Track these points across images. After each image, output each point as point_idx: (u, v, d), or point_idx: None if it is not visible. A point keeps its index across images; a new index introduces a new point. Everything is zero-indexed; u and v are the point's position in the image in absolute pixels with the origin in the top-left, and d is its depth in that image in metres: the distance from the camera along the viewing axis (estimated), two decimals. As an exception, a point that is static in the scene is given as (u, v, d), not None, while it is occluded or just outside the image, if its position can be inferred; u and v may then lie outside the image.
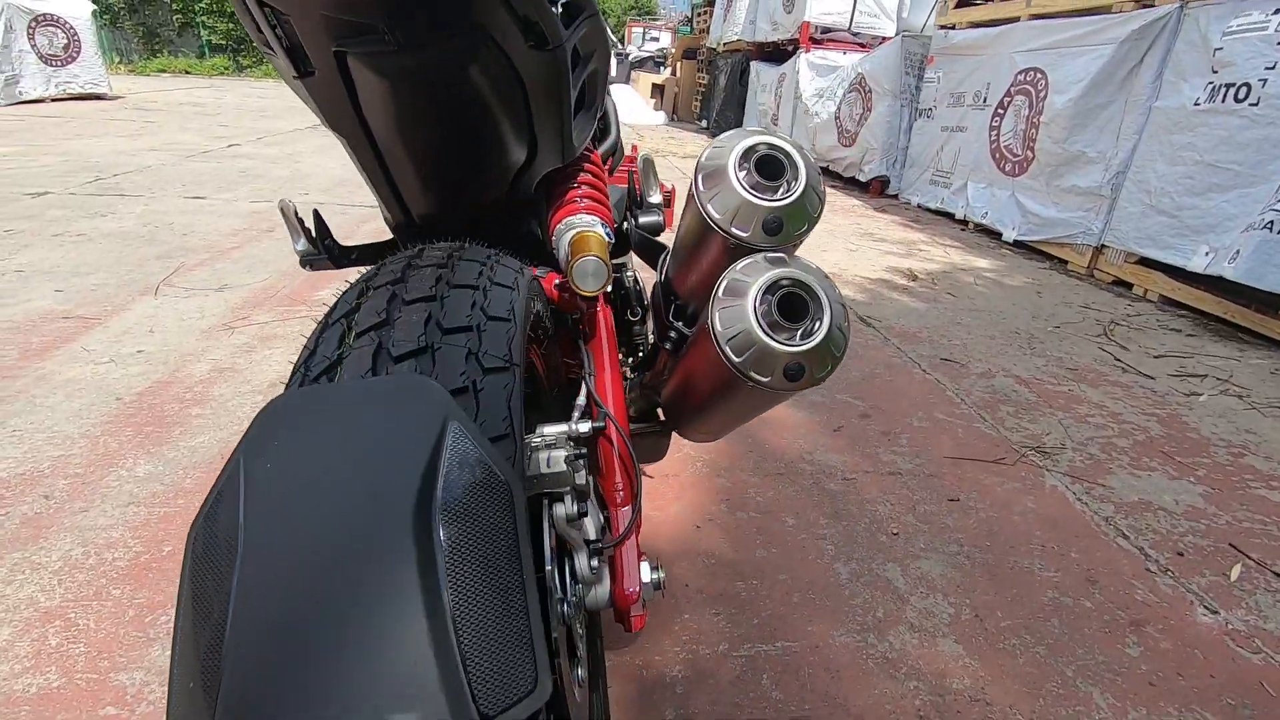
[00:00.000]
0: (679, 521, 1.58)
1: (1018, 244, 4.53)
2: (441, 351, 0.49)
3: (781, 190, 0.66)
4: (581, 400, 0.83)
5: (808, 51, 7.80)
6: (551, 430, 0.77)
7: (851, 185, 6.69)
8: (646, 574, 0.77)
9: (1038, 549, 1.57)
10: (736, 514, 1.62)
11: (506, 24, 0.72)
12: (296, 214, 0.95)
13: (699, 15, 14.24)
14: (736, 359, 0.64)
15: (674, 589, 1.37)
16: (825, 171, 7.33)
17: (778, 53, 8.97)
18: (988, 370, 2.55)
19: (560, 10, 0.77)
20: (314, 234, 0.99)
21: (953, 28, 5.49)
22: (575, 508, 0.70)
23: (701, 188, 0.70)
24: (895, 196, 6.19)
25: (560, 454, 0.69)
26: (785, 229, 0.67)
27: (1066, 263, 4.16)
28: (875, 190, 6.32)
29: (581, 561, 0.72)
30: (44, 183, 4.52)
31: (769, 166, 0.67)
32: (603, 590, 0.75)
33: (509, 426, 0.48)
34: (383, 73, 0.73)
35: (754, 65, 9.58)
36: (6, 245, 3.22)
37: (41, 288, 2.74)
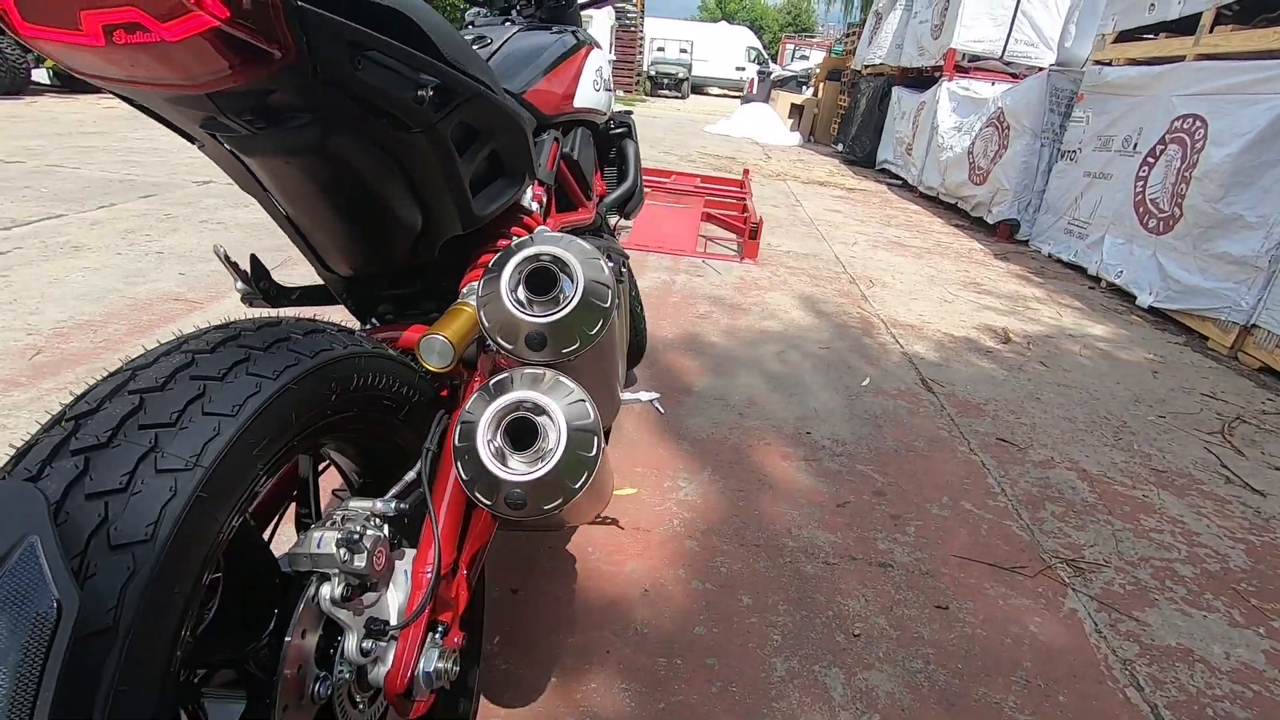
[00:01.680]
0: (629, 582, 1.54)
1: (1153, 311, 4.01)
2: (106, 452, 0.52)
3: (549, 306, 0.63)
4: (410, 475, 0.84)
5: (951, 80, 7.34)
6: (358, 505, 0.78)
7: (977, 226, 6.21)
8: (431, 663, 0.77)
9: (1019, 684, 1.38)
10: (692, 583, 1.56)
11: (353, 111, 0.74)
12: (227, 257, 1.03)
13: (850, 35, 13.80)
14: (470, 489, 0.63)
15: (595, 652, 1.35)
16: (951, 209, 6.86)
17: (921, 79, 8.51)
18: (1048, 459, 2.28)
19: (430, 94, 0.78)
20: (250, 276, 1.07)
21: (1108, 64, 4.95)
22: (340, 590, 0.71)
23: (480, 291, 0.69)
24: (1024, 243, 5.67)
25: (332, 535, 0.71)
26: (550, 345, 0.64)
27: (1206, 339, 3.63)
28: (1002, 234, 5.83)
29: (350, 642, 0.73)
30: (211, 173, 5.19)
31: (542, 279, 0.64)
32: (381, 672, 0.76)
33: (153, 530, 0.50)
34: (248, 151, 0.78)
35: (895, 91, 9.15)
36: (160, 229, 3.73)
37: (170, 270, 3.15)
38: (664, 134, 11.26)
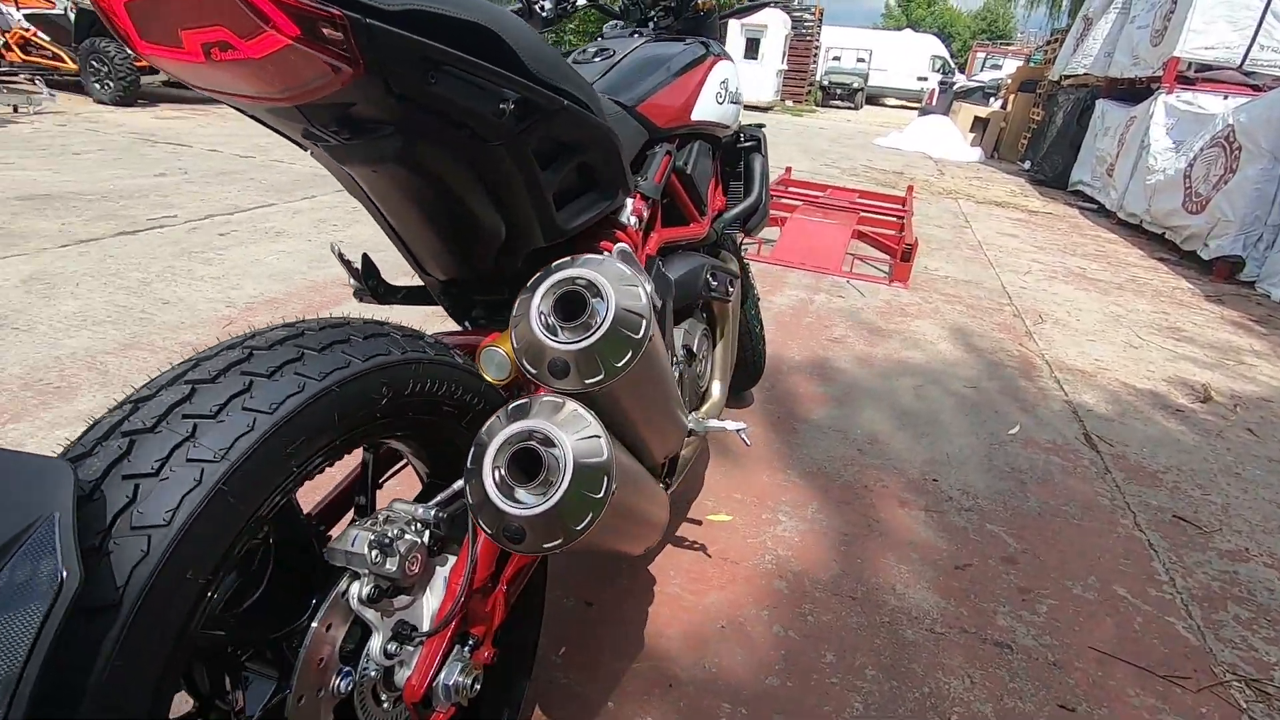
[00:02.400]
0: (706, 614, 1.48)
1: None
2: (149, 437, 0.56)
3: (577, 333, 0.60)
4: (458, 484, 0.84)
5: (1170, 92, 6.41)
6: (402, 508, 0.80)
7: (1188, 262, 5.36)
8: (452, 675, 0.76)
9: (1155, 821, 1.14)
10: (774, 627, 1.46)
11: (433, 124, 0.76)
12: (341, 255, 1.11)
13: (1053, 41, 12.53)
14: (475, 514, 0.61)
15: (658, 683, 1.30)
16: (1156, 240, 5.98)
17: (1132, 91, 7.52)
18: (1240, 549, 1.89)
19: (511, 109, 0.79)
20: (361, 273, 1.14)
21: (1386, 74, 4.06)
22: (369, 590, 0.72)
23: (515, 309, 0.67)
24: (1248, 285, 4.81)
25: (366, 536, 0.73)
26: (573, 374, 0.61)
27: None
28: (1220, 273, 4.99)
29: (375, 643, 0.74)
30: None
31: (572, 303, 0.61)
32: (403, 676, 0.77)
33: (171, 516, 0.53)
34: (341, 160, 0.82)
35: (1100, 104, 8.16)
36: (344, 220, 4.18)
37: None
38: (829, 145, 10.89)
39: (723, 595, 1.54)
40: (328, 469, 0.78)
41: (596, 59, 1.36)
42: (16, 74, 7.72)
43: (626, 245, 0.98)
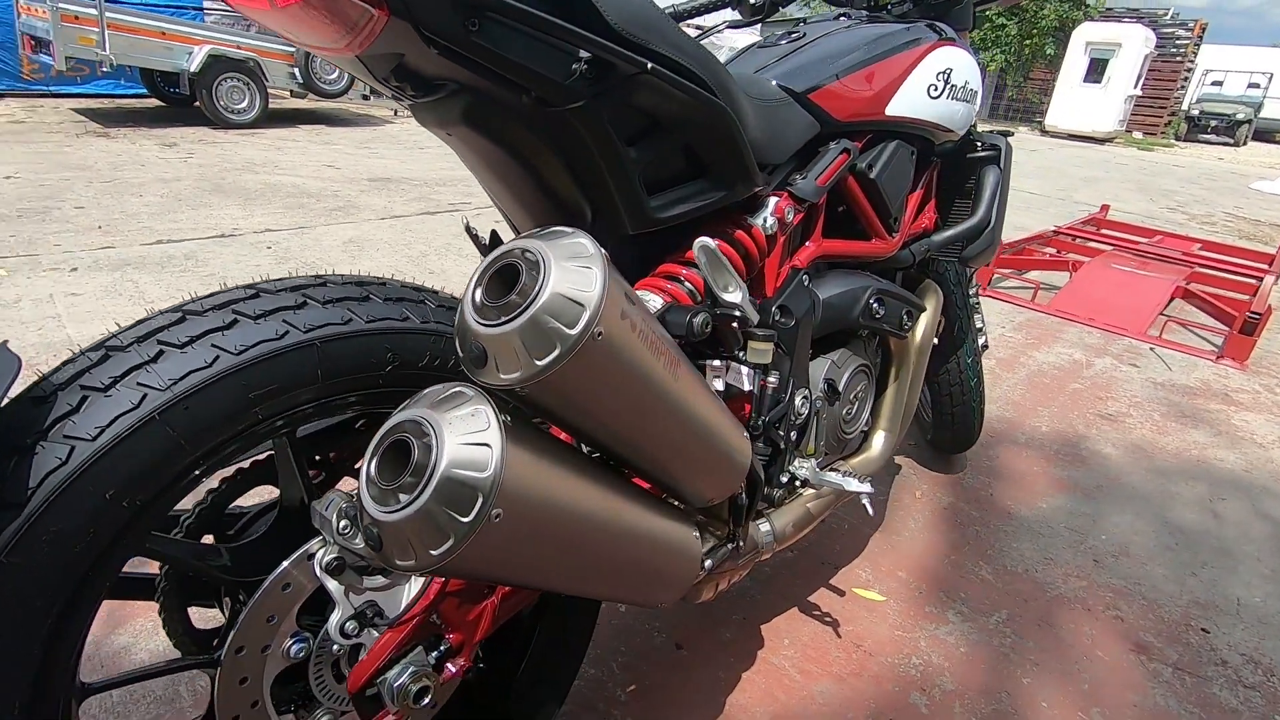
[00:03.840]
0: (809, 703, 1.23)
1: None
2: (121, 353, 0.58)
3: (498, 315, 0.48)
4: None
5: None
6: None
7: None
8: (400, 676, 0.70)
9: None
10: (890, 749, 1.16)
11: (490, 83, 0.70)
12: (468, 228, 1.12)
13: None
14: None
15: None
16: None
17: None
18: None
19: (583, 68, 0.70)
20: (488, 248, 1.14)
21: None
22: (332, 560, 0.69)
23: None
24: None
25: (339, 505, 0.70)
26: (489, 367, 0.49)
27: None
28: None
29: (334, 616, 0.71)
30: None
31: (506, 280, 0.49)
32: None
33: (99, 433, 0.54)
34: (420, 121, 0.81)
35: None
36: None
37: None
38: (1180, 186, 8.87)
39: (838, 688, 1.27)
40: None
41: (782, 41, 1.20)
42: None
43: (712, 243, 0.82)
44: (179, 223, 3.53)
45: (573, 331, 0.46)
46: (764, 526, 1.12)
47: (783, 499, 1.09)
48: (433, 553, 0.44)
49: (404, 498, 0.44)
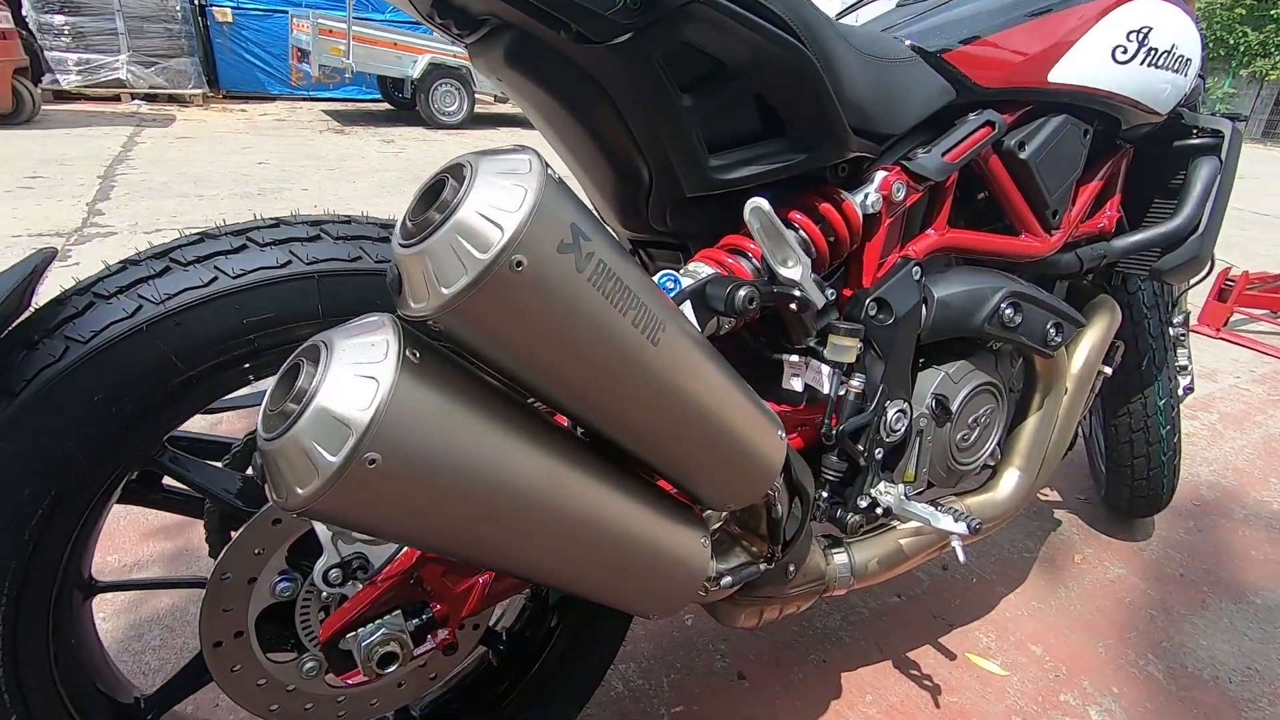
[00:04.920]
0: (880, 775, 1.04)
1: None
2: (139, 264, 0.60)
3: (414, 234, 0.41)
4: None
5: None
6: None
7: None
8: (370, 635, 0.66)
9: None
10: None
11: (527, 17, 0.65)
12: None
13: None
14: None
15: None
16: None
17: None
18: None
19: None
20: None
21: None
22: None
23: None
24: None
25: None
26: (403, 294, 0.42)
27: None
28: None
29: (320, 563, 0.69)
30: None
31: (433, 196, 0.42)
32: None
33: (91, 337, 0.56)
34: (478, 67, 0.77)
35: None
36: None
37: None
38: None
39: (923, 767, 1.06)
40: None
41: None
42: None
43: (766, 205, 0.70)
44: (377, 206, 3.94)
45: (483, 256, 0.38)
46: (839, 557, 0.96)
47: (859, 526, 0.92)
48: (299, 490, 0.39)
49: (281, 425, 0.39)
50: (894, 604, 1.37)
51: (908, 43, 0.90)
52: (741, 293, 0.68)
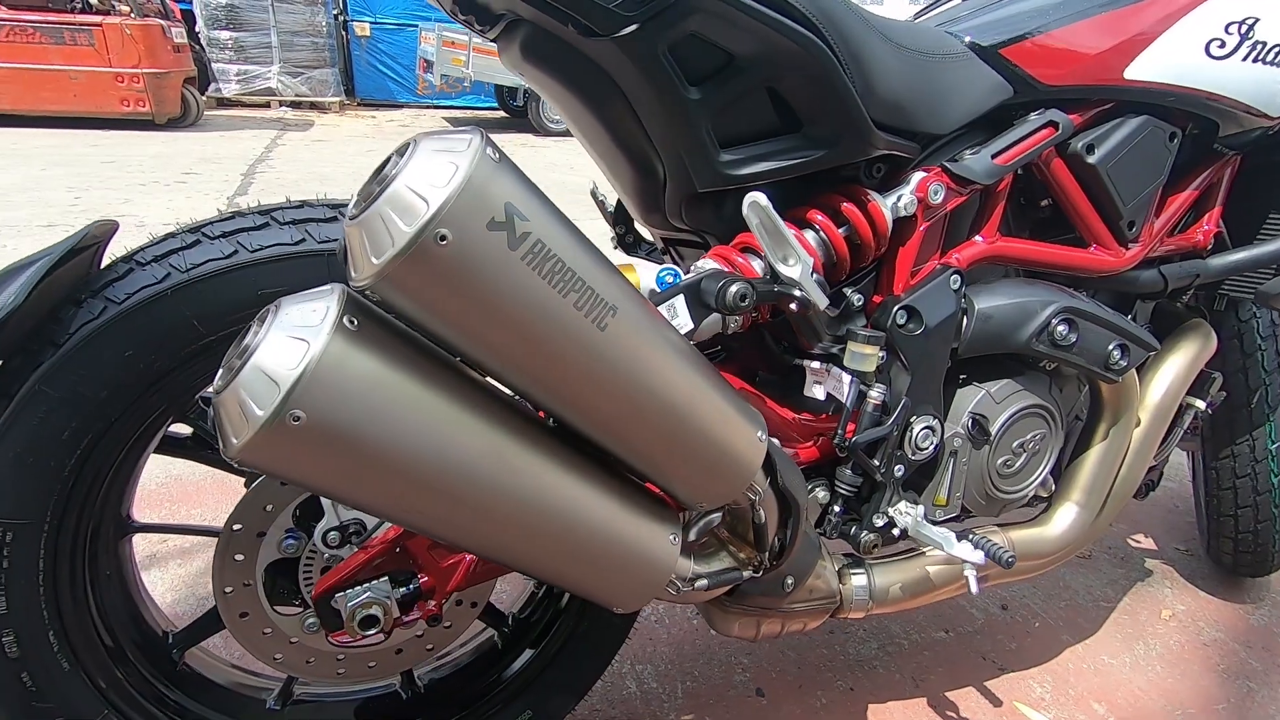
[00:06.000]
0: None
1: None
2: (176, 235, 0.66)
3: (359, 203, 0.43)
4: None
5: None
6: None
7: None
8: (357, 596, 0.70)
9: None
10: None
11: (536, 11, 0.67)
12: (595, 193, 1.09)
13: None
14: None
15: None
16: None
17: None
18: None
19: None
20: (613, 219, 1.10)
21: None
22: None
23: None
24: None
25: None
26: (351, 263, 0.44)
27: None
28: None
29: (321, 524, 0.74)
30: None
31: (379, 170, 0.43)
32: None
33: (124, 298, 0.63)
34: (504, 63, 0.80)
35: None
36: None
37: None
38: None
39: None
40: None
41: None
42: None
43: (764, 199, 0.67)
44: (477, 207, 4.14)
45: (407, 229, 0.40)
46: (857, 578, 0.91)
47: (874, 545, 0.87)
48: (234, 440, 0.42)
49: (226, 377, 0.43)
50: (939, 639, 1.28)
51: (967, 39, 0.85)
52: (733, 289, 0.66)
